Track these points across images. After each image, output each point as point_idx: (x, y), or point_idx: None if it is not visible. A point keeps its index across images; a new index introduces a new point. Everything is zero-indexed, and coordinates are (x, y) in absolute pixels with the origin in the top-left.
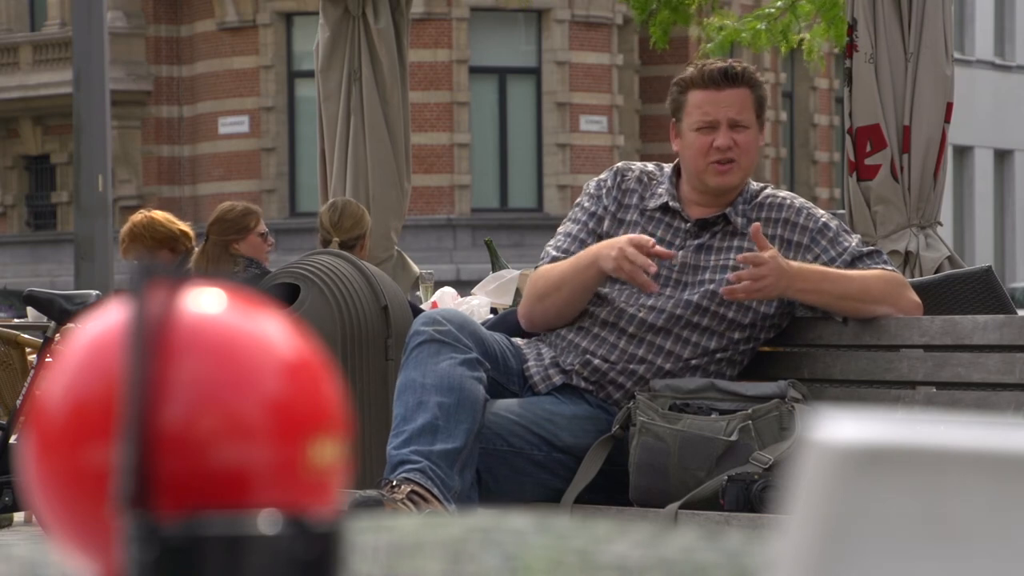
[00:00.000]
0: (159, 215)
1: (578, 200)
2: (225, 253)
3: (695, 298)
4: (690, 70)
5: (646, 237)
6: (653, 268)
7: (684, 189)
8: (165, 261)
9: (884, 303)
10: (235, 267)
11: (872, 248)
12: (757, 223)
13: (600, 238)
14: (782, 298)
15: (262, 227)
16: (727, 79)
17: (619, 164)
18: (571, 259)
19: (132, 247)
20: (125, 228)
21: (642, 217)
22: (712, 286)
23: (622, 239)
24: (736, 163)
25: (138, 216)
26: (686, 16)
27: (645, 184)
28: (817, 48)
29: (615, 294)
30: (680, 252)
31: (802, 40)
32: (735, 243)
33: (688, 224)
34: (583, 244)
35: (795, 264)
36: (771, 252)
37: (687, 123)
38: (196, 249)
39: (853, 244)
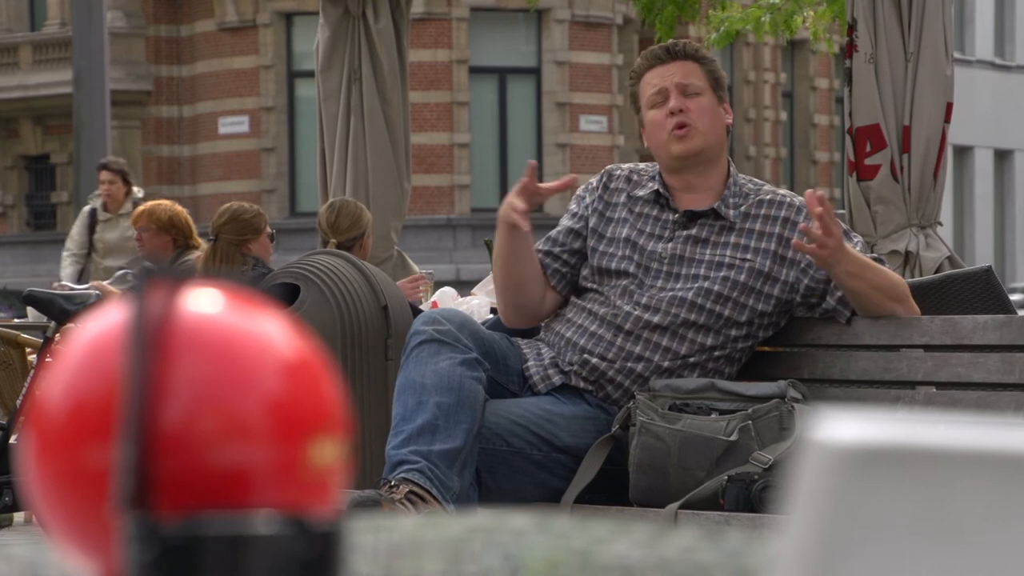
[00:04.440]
0: (180, 209)
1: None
2: (237, 253)
3: (690, 295)
4: (638, 60)
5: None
6: (520, 206)
7: (669, 180)
8: (164, 253)
9: (903, 303)
10: (244, 266)
11: (875, 256)
12: (818, 192)
13: (579, 235)
14: (827, 271)
15: (268, 228)
16: (670, 53)
17: (608, 167)
18: None
19: (146, 224)
20: (148, 205)
21: (631, 214)
22: (706, 283)
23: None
24: (693, 127)
25: (166, 202)
26: (693, 12)
27: (635, 182)
28: (823, 30)
29: (610, 291)
30: (670, 244)
31: (806, 19)
32: (731, 239)
33: (676, 215)
34: (559, 244)
35: (849, 246)
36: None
37: (644, 105)
38: (202, 249)
39: (859, 247)
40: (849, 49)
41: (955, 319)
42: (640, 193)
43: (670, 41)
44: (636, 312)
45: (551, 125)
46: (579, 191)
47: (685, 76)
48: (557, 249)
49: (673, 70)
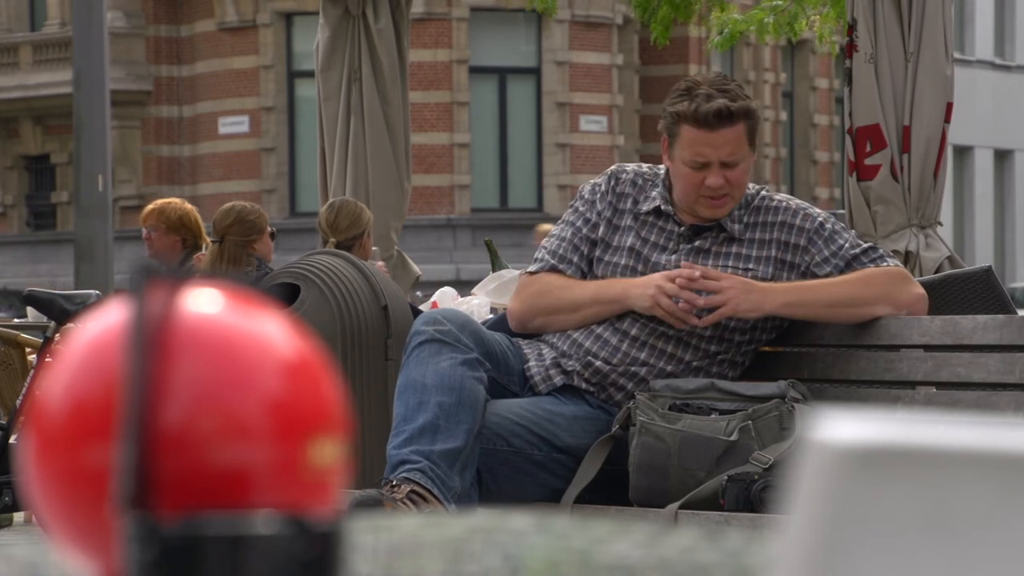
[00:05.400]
0: (190, 208)
1: (572, 203)
2: (243, 253)
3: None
4: (684, 103)
5: (687, 272)
6: (700, 301)
7: (676, 195)
8: (173, 253)
9: (880, 303)
10: (249, 267)
11: (868, 245)
12: (693, 270)
13: (595, 244)
14: (771, 315)
15: (269, 227)
16: (720, 119)
17: (613, 167)
18: (591, 287)
19: (155, 223)
20: (158, 204)
21: (636, 221)
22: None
23: (656, 277)
24: (729, 196)
25: (176, 201)
26: (688, 12)
27: (639, 187)
28: (828, 34)
29: None
30: (674, 256)
31: (811, 23)
32: (733, 249)
33: (682, 228)
34: (579, 252)
35: (767, 283)
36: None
37: (679, 155)
38: (208, 249)
39: (848, 243)
40: (849, 49)
41: (955, 319)
42: (645, 208)
43: (721, 102)
44: (643, 318)
45: (551, 125)
46: (585, 194)
47: (731, 152)
48: (584, 264)
49: (721, 141)
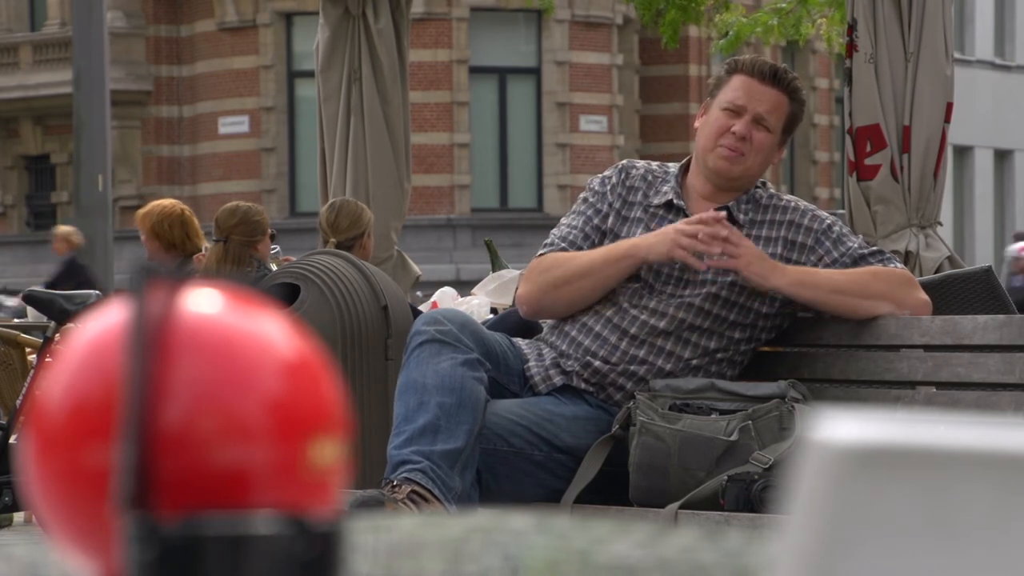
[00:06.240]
0: (170, 214)
1: (582, 195)
2: (247, 253)
3: (697, 301)
4: (748, 56)
5: (710, 215)
6: (717, 249)
7: (690, 183)
8: (158, 256)
9: (884, 300)
10: (250, 268)
11: (876, 248)
12: (717, 213)
13: (604, 235)
14: (775, 295)
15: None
16: (774, 78)
17: (623, 162)
18: (599, 250)
19: (139, 227)
20: (146, 208)
21: (646, 214)
22: (714, 288)
23: (671, 227)
24: (744, 157)
25: (161, 205)
26: (697, 15)
27: (649, 182)
28: (835, 36)
29: (619, 293)
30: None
31: (818, 26)
32: None
33: None
34: (589, 240)
35: (780, 263)
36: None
37: (719, 100)
38: (210, 250)
39: (856, 245)
40: (849, 49)
41: (955, 319)
42: (655, 201)
43: (782, 66)
44: (643, 316)
45: (551, 125)
46: (595, 185)
47: (769, 110)
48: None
49: (764, 97)
